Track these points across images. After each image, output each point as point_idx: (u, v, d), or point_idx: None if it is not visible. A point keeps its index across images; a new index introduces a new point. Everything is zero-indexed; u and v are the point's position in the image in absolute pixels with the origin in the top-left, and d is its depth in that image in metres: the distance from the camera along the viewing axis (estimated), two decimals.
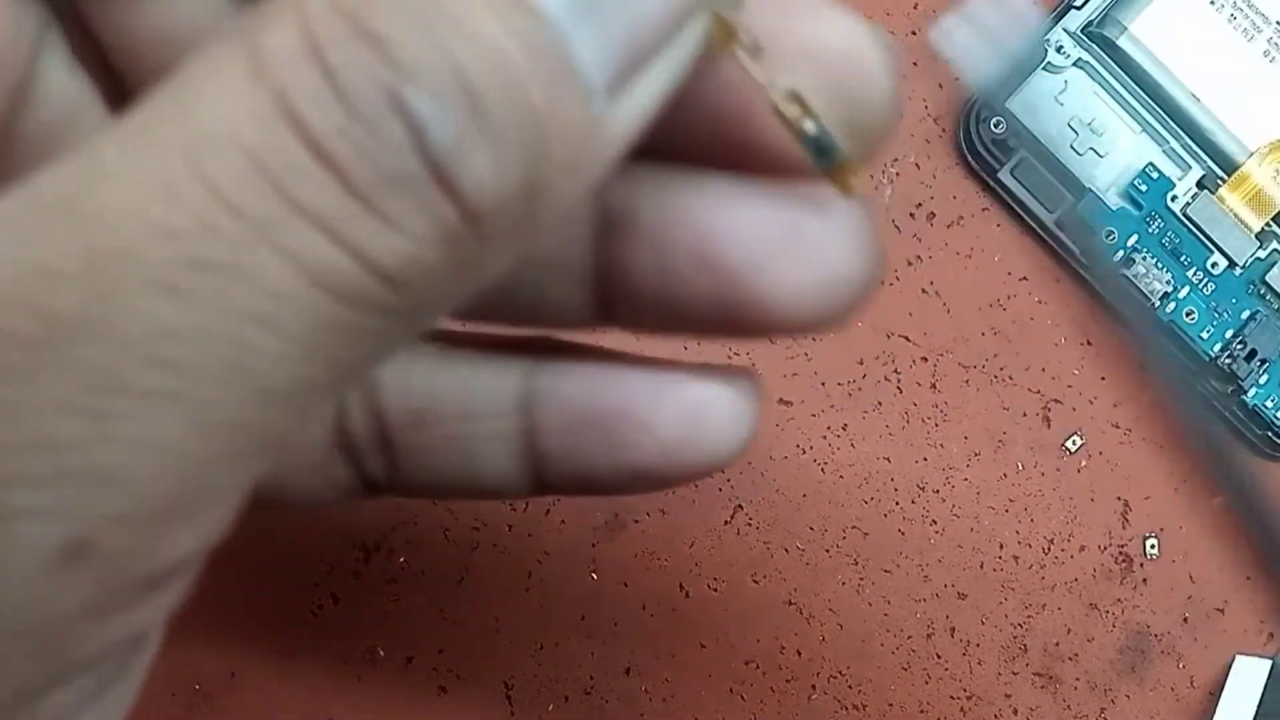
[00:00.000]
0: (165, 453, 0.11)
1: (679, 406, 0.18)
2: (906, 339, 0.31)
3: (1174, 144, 0.30)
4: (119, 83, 0.16)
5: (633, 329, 0.18)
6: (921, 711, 0.30)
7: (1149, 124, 0.30)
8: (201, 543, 0.12)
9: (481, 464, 0.19)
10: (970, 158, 0.30)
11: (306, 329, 0.11)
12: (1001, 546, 0.31)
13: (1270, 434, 0.31)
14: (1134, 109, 0.30)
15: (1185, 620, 0.31)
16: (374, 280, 0.11)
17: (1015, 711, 0.31)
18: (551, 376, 0.18)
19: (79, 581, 0.11)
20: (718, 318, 0.16)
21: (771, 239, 0.16)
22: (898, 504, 0.31)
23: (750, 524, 0.30)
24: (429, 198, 0.11)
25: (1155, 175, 0.30)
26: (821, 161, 0.14)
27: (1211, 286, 0.30)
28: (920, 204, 0.32)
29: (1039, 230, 0.30)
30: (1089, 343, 0.31)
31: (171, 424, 0.11)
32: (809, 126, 0.14)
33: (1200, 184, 0.30)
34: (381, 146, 0.11)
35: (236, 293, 0.11)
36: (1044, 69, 0.30)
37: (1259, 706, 0.29)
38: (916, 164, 0.32)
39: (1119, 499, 0.31)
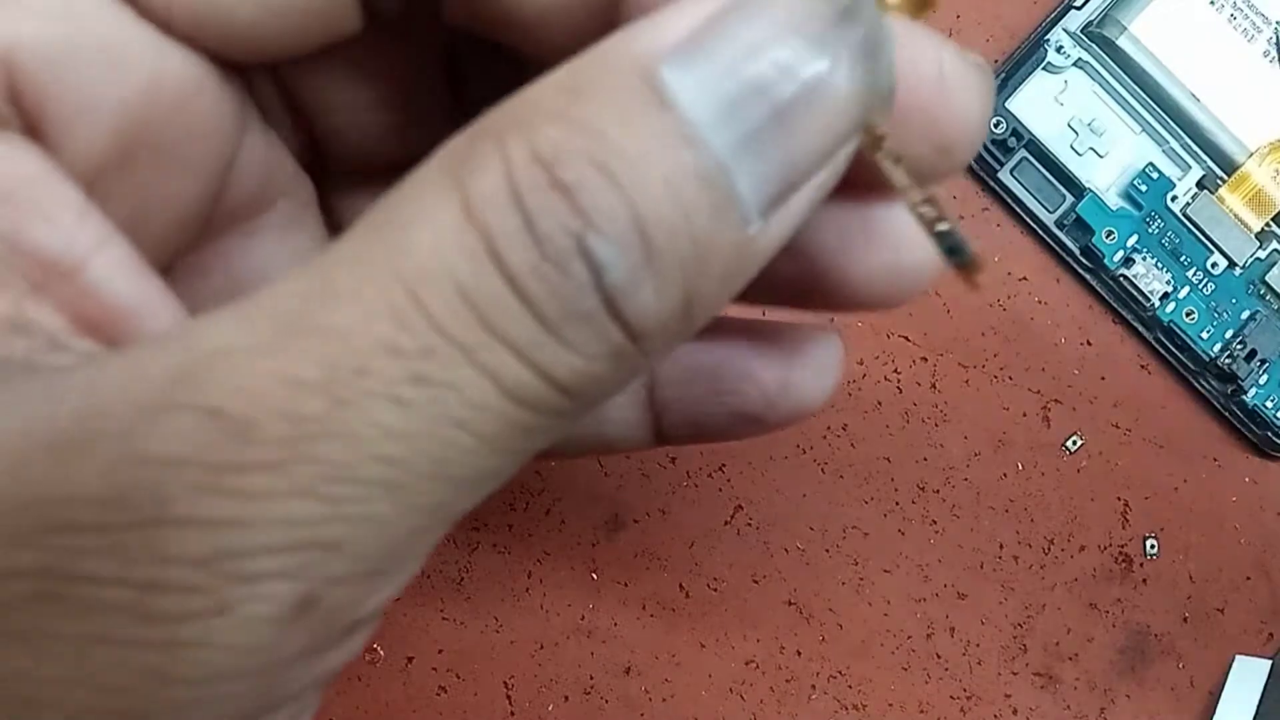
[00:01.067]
0: (380, 527, 0.13)
1: (777, 358, 0.20)
2: (906, 339, 0.31)
3: (1174, 144, 0.30)
4: (306, 137, 0.19)
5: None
6: (921, 711, 0.30)
7: (1149, 124, 0.30)
8: (394, 595, 0.14)
9: (611, 418, 0.21)
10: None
11: (496, 430, 0.13)
12: (1001, 546, 0.31)
13: (1270, 434, 0.31)
14: (1134, 109, 0.30)
15: (1185, 620, 0.31)
16: (554, 391, 0.13)
17: (1015, 711, 0.31)
18: None
19: (302, 631, 0.13)
20: (798, 294, 0.18)
21: (849, 228, 0.17)
22: (898, 504, 0.31)
23: (750, 524, 0.30)
24: (603, 326, 0.13)
25: (1155, 175, 0.30)
26: (952, 259, 0.16)
27: (1211, 286, 0.30)
28: None
29: (1039, 230, 0.30)
30: (1089, 343, 0.31)
31: (387, 506, 0.13)
32: (944, 228, 0.15)
33: (1200, 184, 0.30)
34: (568, 285, 0.13)
35: (446, 403, 0.13)
36: (1044, 69, 0.30)
37: (1258, 707, 0.29)
38: None
39: (1119, 499, 0.31)
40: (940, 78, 0.16)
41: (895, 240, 0.18)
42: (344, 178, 0.20)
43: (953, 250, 0.15)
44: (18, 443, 0.12)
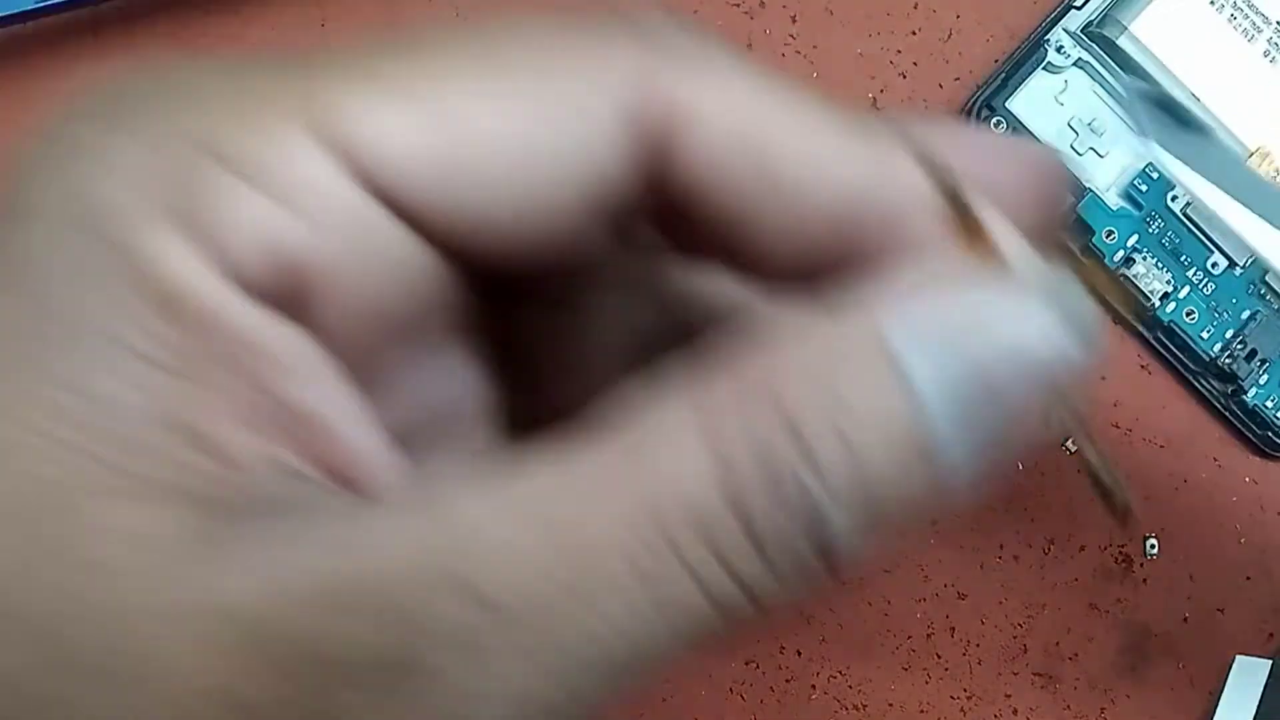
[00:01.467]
0: (591, 706, 0.15)
1: None
2: None
3: None
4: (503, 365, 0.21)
5: None
6: (922, 711, 0.30)
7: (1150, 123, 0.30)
8: None
9: None
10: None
11: (696, 632, 0.15)
12: (1001, 546, 0.31)
13: (1270, 434, 0.31)
14: (1134, 108, 0.30)
15: (1185, 620, 0.31)
16: (750, 605, 0.15)
17: (1015, 711, 0.30)
18: None
19: None
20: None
21: None
22: None
23: None
24: (813, 565, 0.15)
25: (1155, 175, 0.30)
26: (1112, 507, 0.18)
27: (1212, 286, 0.30)
28: None
29: None
30: None
31: (594, 685, 0.15)
32: (1109, 481, 0.18)
33: None
34: (794, 531, 0.15)
35: (669, 612, 0.15)
36: (1044, 69, 0.30)
37: (1259, 707, 0.29)
38: None
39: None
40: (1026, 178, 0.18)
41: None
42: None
43: (1112, 497, 0.18)
44: (300, 582, 0.14)
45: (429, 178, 0.16)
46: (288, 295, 0.16)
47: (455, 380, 0.20)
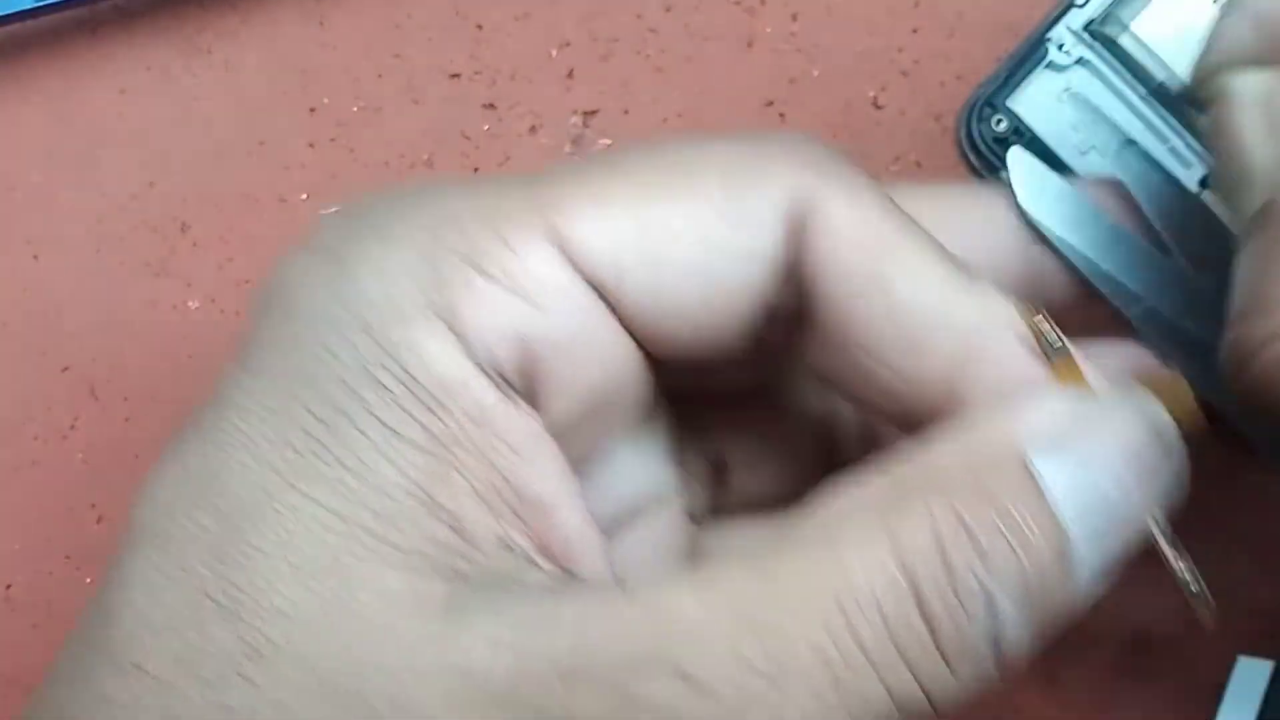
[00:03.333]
0: None
1: None
2: None
3: (1176, 142, 0.30)
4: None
5: None
6: None
7: (1151, 122, 0.30)
8: None
9: None
10: (972, 156, 0.30)
11: None
12: None
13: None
14: (1136, 107, 0.30)
15: (1187, 622, 0.31)
16: (927, 703, 0.17)
17: (1017, 712, 0.30)
18: None
19: None
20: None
21: None
22: None
23: None
24: (986, 664, 0.18)
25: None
26: (1197, 605, 0.21)
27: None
28: None
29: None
30: None
31: None
32: (1195, 589, 0.21)
33: (1202, 183, 0.30)
34: (973, 630, 0.17)
35: (851, 705, 0.17)
36: (1046, 67, 0.30)
37: (1261, 708, 0.29)
38: (918, 162, 0.32)
39: None
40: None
41: None
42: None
43: (1199, 598, 0.21)
44: (534, 655, 0.17)
45: (636, 268, 0.19)
46: (525, 380, 0.19)
47: (652, 470, 0.23)
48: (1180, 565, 0.20)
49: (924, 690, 0.17)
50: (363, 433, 0.17)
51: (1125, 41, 0.29)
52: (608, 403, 0.20)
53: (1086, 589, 0.19)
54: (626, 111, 0.33)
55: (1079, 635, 0.30)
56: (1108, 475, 0.18)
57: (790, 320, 0.21)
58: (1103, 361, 0.21)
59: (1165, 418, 0.19)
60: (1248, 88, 0.22)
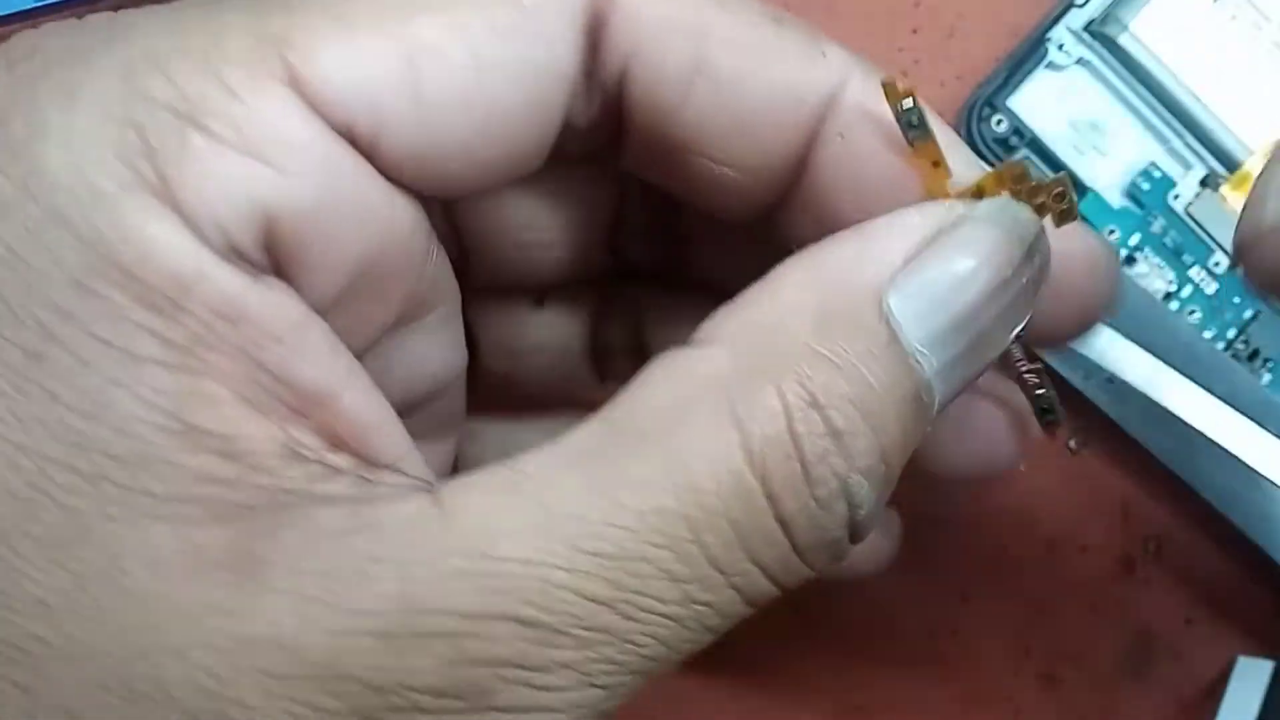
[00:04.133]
0: (630, 696, 0.15)
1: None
2: None
3: (1176, 142, 0.30)
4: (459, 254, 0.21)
5: None
6: (923, 713, 0.30)
7: (1151, 122, 0.30)
8: None
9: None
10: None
11: (727, 625, 0.16)
12: (1004, 548, 0.30)
13: (1273, 433, 0.30)
14: (1136, 107, 0.30)
15: (1188, 621, 0.31)
16: (777, 591, 0.16)
17: (1018, 712, 0.30)
18: None
19: None
20: None
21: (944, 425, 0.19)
22: (899, 504, 0.30)
23: None
24: (843, 547, 0.16)
25: (1157, 174, 0.30)
26: (1044, 418, 0.20)
27: (1214, 286, 0.30)
28: None
29: None
30: None
31: (641, 684, 0.15)
32: (1044, 393, 0.20)
33: (1203, 182, 0.30)
34: (829, 521, 0.16)
35: (705, 616, 0.15)
36: (1046, 67, 0.30)
37: (1262, 708, 0.29)
38: None
39: (1120, 499, 0.31)
40: (1092, 268, 0.19)
41: (982, 434, 0.22)
42: (482, 291, 0.22)
43: (1047, 411, 0.20)
44: (350, 624, 0.14)
45: (394, 108, 0.16)
46: (272, 257, 0.16)
47: (441, 349, 0.20)
48: (1031, 376, 0.19)
49: (778, 584, 0.16)
50: (84, 362, 0.14)
51: (1125, 41, 0.29)
52: (384, 274, 0.17)
53: (936, 416, 0.17)
54: None
55: (1079, 634, 0.31)
56: (969, 305, 0.16)
57: (602, 133, 0.19)
58: (962, 154, 0.19)
59: (1030, 220, 0.17)
60: None
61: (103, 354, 0.14)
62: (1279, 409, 0.28)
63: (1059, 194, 0.18)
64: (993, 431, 0.22)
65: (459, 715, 0.14)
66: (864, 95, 0.18)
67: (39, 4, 0.31)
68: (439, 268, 0.19)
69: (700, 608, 0.15)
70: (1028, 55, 0.30)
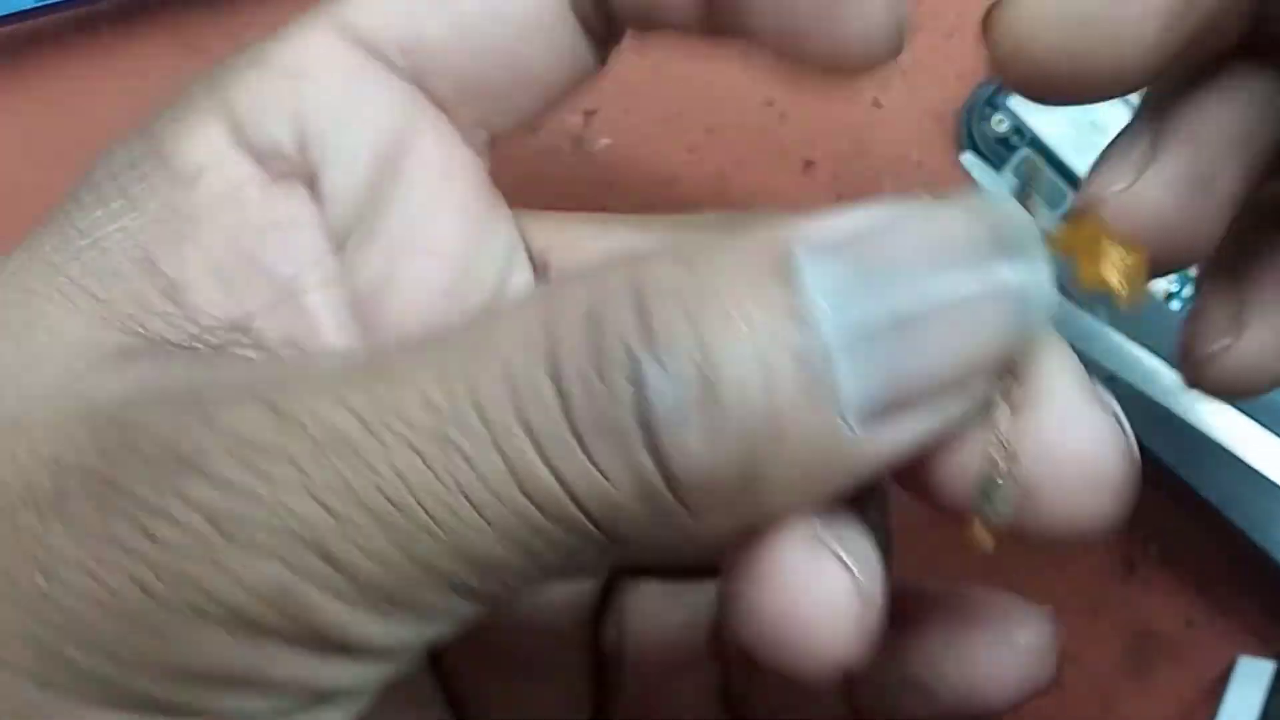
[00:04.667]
0: (375, 561, 0.14)
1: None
2: None
3: None
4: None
5: None
6: None
7: None
8: (393, 641, 0.15)
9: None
10: (972, 155, 0.30)
11: (507, 520, 0.14)
12: (1003, 548, 0.30)
13: (1274, 433, 0.30)
14: (1136, 106, 0.30)
15: (1188, 622, 0.31)
16: (570, 504, 0.14)
17: (1018, 712, 0.30)
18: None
19: (280, 616, 0.14)
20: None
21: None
22: (899, 504, 0.30)
23: None
24: (632, 451, 0.13)
25: None
26: (990, 512, 0.15)
27: None
28: None
29: None
30: None
31: (385, 544, 0.14)
32: (998, 484, 0.15)
33: None
34: (606, 396, 0.13)
35: (460, 471, 0.14)
36: None
37: (1263, 709, 0.29)
38: (919, 162, 0.32)
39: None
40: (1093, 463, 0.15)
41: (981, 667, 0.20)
42: None
43: (994, 502, 0.15)
44: (153, 393, 0.15)
45: (435, 46, 0.18)
46: (306, 157, 0.18)
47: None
48: (997, 452, 0.14)
49: (559, 477, 0.14)
50: (105, 204, 0.17)
51: None
52: (398, 172, 0.18)
53: (851, 422, 0.14)
54: (626, 111, 0.32)
55: (1079, 635, 0.31)
56: (886, 258, 0.14)
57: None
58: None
59: (1011, 212, 0.14)
60: None
61: (119, 203, 0.17)
62: (1279, 409, 0.28)
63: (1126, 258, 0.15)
64: (995, 669, 0.20)
65: (168, 467, 0.14)
66: None
67: (39, 4, 0.31)
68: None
69: (457, 458, 0.14)
70: None
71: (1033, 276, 0.14)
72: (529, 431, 0.14)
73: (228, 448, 0.14)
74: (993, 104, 0.29)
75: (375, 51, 0.18)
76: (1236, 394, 0.19)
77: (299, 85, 0.18)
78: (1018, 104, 0.30)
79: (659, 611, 0.22)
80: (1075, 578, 0.30)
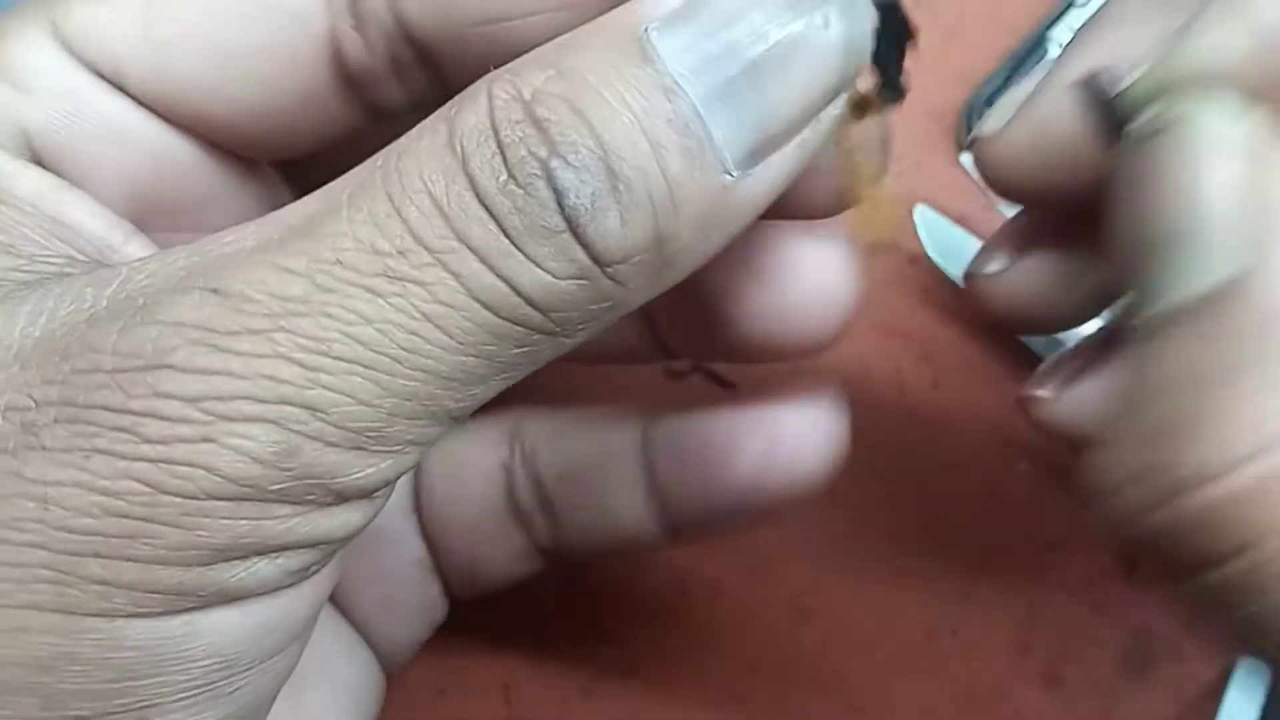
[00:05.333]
0: (357, 401, 0.15)
1: (763, 430, 0.22)
2: (908, 338, 0.31)
3: None
4: None
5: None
6: (923, 713, 0.30)
7: None
8: (378, 480, 0.16)
9: (619, 513, 0.24)
10: (971, 155, 0.30)
11: (466, 329, 0.15)
12: (1004, 548, 0.30)
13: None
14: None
15: (1189, 622, 0.31)
16: (522, 301, 0.15)
17: (1018, 713, 0.30)
18: (664, 425, 0.24)
19: (283, 475, 0.15)
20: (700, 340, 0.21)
21: (740, 265, 0.20)
22: (899, 504, 0.30)
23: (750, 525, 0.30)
24: (566, 246, 0.15)
25: None
26: (883, 93, 0.17)
27: None
28: (922, 201, 0.32)
29: None
30: None
31: (361, 382, 0.15)
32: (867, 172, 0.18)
33: None
34: (531, 203, 0.15)
35: (414, 295, 0.15)
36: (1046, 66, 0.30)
37: (1263, 709, 0.29)
38: (918, 162, 0.32)
39: None
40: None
41: (790, 275, 0.21)
42: None
43: (887, 87, 0.17)
44: (66, 318, 0.16)
45: (133, 49, 0.19)
46: (48, 167, 0.19)
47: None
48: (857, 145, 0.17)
49: (506, 281, 0.15)
50: None
51: None
52: (171, 193, 0.20)
53: (730, 170, 0.16)
54: None
55: (1079, 635, 0.31)
56: (745, 31, 0.15)
57: (420, 75, 0.20)
58: None
59: None
60: (1224, 128, 0.17)
61: None
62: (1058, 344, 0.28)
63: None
64: (817, 276, 0.21)
65: (136, 372, 0.15)
66: None
67: None
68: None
69: (410, 285, 0.15)
70: (1028, 55, 0.30)
71: (849, 6, 0.16)
72: (469, 244, 0.15)
73: (190, 339, 0.15)
74: (992, 103, 0.29)
75: (84, 60, 0.19)
76: (1006, 320, 0.22)
77: (13, 94, 0.19)
78: None
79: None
80: (1075, 577, 0.30)
